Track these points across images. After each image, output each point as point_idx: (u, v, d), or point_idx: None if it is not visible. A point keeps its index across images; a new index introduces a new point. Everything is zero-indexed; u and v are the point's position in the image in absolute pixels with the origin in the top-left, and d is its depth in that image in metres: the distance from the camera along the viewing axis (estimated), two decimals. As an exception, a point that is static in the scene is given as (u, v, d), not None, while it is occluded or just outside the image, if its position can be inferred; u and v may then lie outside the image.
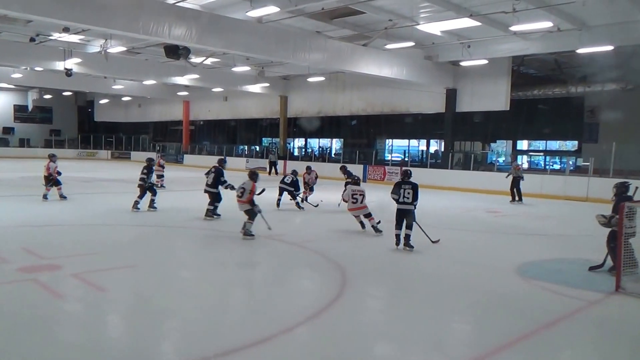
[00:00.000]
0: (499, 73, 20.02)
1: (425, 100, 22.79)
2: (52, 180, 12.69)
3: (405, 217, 7.81)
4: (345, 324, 4.69)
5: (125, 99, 38.99)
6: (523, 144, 28.11)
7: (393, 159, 25.66)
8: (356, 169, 23.54)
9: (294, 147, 32.31)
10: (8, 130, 40.28)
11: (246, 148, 34.21)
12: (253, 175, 8.58)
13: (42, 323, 4.51)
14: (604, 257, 6.65)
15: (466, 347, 4.42)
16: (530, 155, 28.03)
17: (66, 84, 28.65)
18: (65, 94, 39.87)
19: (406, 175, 8.00)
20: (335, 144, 31.03)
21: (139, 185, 11.36)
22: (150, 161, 11.72)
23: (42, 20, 14.27)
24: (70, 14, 12.11)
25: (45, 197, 12.57)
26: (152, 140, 40.11)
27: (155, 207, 11.41)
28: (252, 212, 8.53)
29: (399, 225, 7.89)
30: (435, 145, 27.16)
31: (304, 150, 31.81)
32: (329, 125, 29.11)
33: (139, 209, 11.20)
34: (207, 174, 10.89)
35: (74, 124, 44.30)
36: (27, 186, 16.30)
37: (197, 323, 4.61)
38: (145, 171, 11.41)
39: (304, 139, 32.18)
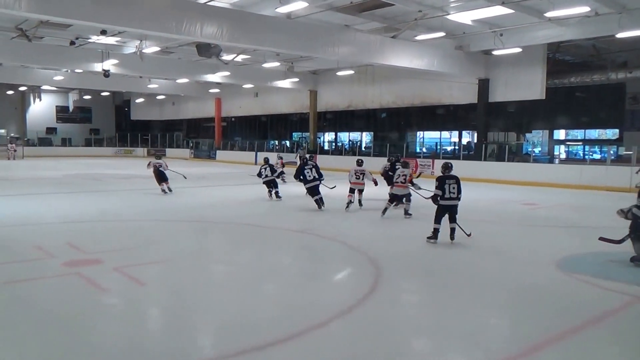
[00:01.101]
0: (533, 61, 19.41)
1: (456, 91, 22.36)
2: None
3: (449, 212, 7.67)
4: (380, 319, 4.63)
5: (159, 97, 39.74)
6: (560, 134, 27.20)
7: (424, 152, 25.34)
8: (383, 162, 23.39)
9: (324, 141, 32.27)
10: (51, 130, 41.68)
11: (277, 143, 34.37)
12: (407, 164, 10.15)
13: (86, 315, 4.62)
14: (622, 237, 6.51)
15: (506, 342, 4.27)
16: (569, 144, 27.12)
17: (104, 84, 29.40)
18: (103, 94, 40.99)
19: (447, 168, 7.83)
20: (365, 137, 30.80)
21: (266, 182, 13.13)
22: (267, 161, 13.55)
23: (81, 24, 14.64)
24: (107, 17, 12.40)
25: (165, 190, 13.82)
26: (186, 137, 40.79)
27: (280, 197, 12.84)
28: (409, 195, 10.07)
29: (438, 220, 7.69)
30: (467, 137, 26.62)
31: (333, 144, 31.70)
32: (358, 119, 28.92)
33: (280, 197, 12.80)
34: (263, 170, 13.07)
35: (112, 123, 45.47)
36: (70, 184, 16.82)
37: (232, 317, 4.63)
38: (266, 168, 13.22)
39: (334, 133, 32.06)
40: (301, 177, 11.30)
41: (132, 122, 43.75)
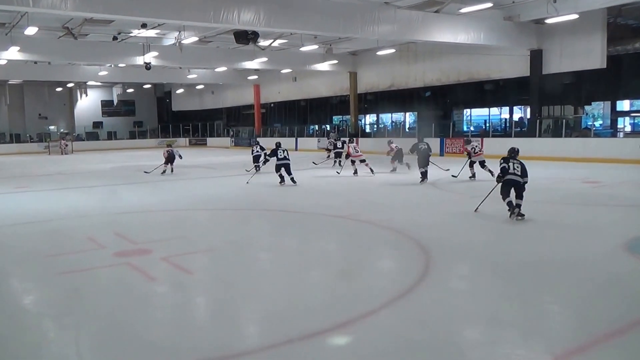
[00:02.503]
0: (591, 27, 18.33)
1: (506, 65, 21.59)
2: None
3: (514, 187, 7.88)
4: (431, 307, 4.52)
5: (199, 87, 40.41)
6: (624, 105, 25.62)
7: (472, 130, 24.69)
8: (433, 143, 22.93)
9: (365, 124, 32.02)
10: (97, 124, 43.29)
11: (317, 127, 34.35)
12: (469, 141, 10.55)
13: (138, 303, 4.78)
14: None
15: (570, 332, 4.01)
16: (634, 116, 25.58)
17: (146, 77, 30.25)
18: (145, 87, 42.24)
19: (513, 152, 8.17)
20: (409, 118, 30.30)
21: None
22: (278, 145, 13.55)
23: (122, 19, 15.08)
24: (147, 10, 12.71)
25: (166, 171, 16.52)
26: (226, 126, 41.37)
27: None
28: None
29: (507, 194, 7.93)
30: (519, 113, 25.69)
31: (375, 126, 31.39)
32: (401, 99, 28.47)
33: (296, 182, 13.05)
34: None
35: (154, 115, 46.70)
36: (117, 176, 17.42)
37: (278, 306, 4.65)
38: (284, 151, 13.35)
39: (375, 115, 31.72)
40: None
41: (174, 113, 44.83)
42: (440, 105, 27.45)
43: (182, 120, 43.02)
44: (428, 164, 12.83)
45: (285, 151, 13.20)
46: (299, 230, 8.07)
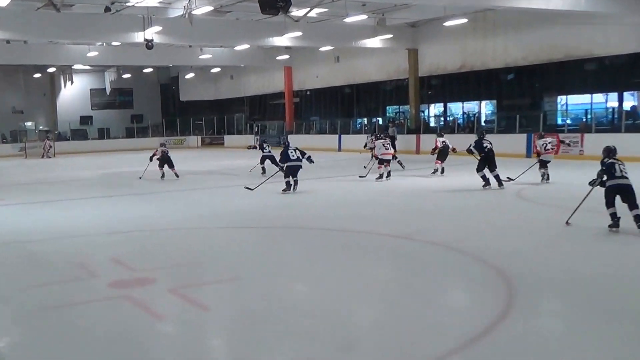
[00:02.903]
0: None
1: (614, 38, 21.10)
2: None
3: (622, 193, 8.22)
4: (515, 354, 4.52)
5: (214, 70, 41.17)
6: None
7: (569, 123, 24.20)
8: (516, 141, 22.60)
9: (428, 116, 31.81)
10: (86, 119, 44.32)
11: (365, 121, 34.34)
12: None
13: (138, 348, 4.91)
14: None
15: None
16: None
17: (147, 58, 30.94)
18: (145, 71, 43.04)
19: (611, 151, 8.57)
20: (485, 108, 29.93)
21: None
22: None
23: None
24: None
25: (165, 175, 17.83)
26: (249, 120, 41.82)
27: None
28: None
29: (611, 204, 8.27)
30: (631, 100, 25.02)
31: (442, 118, 31.16)
32: (475, 84, 28.18)
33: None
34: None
35: (157, 107, 47.69)
36: (111, 185, 17.95)
37: (319, 349, 4.71)
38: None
39: (442, 104, 31.49)
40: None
41: (182, 104, 45.60)
42: (526, 91, 26.98)
43: (193, 114, 43.77)
44: (496, 167, 13.48)
45: (297, 150, 14.16)
46: (343, 254, 8.11)
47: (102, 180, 19.50)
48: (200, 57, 33.17)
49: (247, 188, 14.29)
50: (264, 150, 18.66)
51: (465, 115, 30.27)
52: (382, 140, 16.56)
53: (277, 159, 14.93)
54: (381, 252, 8.15)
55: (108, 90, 44.91)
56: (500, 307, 5.53)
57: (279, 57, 34.60)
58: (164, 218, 11.33)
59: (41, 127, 42.64)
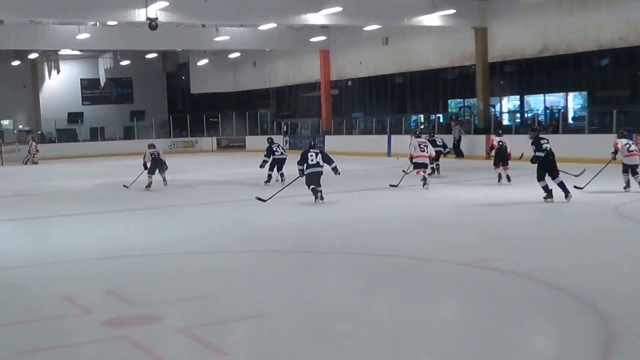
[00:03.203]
0: None
1: None
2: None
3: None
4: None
5: (232, 56, 41.48)
6: None
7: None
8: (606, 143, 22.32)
9: (500, 111, 31.50)
10: (76, 117, 44.96)
11: (422, 118, 34.13)
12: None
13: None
14: None
15: None
16: None
17: (150, 41, 31.33)
18: (148, 57, 43.48)
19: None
20: (573, 102, 29.55)
21: None
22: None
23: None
24: None
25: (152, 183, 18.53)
26: (276, 117, 42.03)
27: None
28: None
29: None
30: None
31: (519, 115, 30.82)
32: (561, 72, 27.85)
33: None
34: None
35: (163, 101, 48.37)
36: (106, 198, 18.11)
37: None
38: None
39: (518, 97, 31.19)
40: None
41: (193, 98, 46.16)
42: (625, 80, 26.57)
43: (207, 109, 43.98)
44: (558, 173, 13.69)
45: (319, 155, 15.00)
46: (397, 287, 8.01)
47: (94, 193, 19.73)
48: (216, 39, 33.42)
49: (259, 199, 14.73)
50: (275, 154, 19.18)
51: (548, 111, 29.91)
52: (419, 140, 17.41)
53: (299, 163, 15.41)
54: (447, 286, 8.03)
55: (102, 81, 45.36)
56: (598, 351, 5.45)
57: (313, 39, 34.73)
58: (170, 239, 11.36)
59: (21, 127, 43.33)
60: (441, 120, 32.23)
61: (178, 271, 9.20)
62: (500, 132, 18.79)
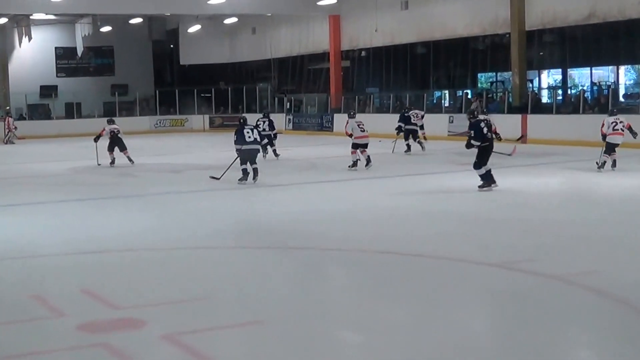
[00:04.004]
0: None
1: None
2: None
3: None
4: None
5: (228, 21, 41.43)
6: None
7: None
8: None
9: (539, 87, 31.36)
10: (49, 90, 44.73)
11: (447, 95, 34.01)
12: None
13: None
14: None
15: None
16: None
17: (134, 4, 31.31)
18: (132, 22, 43.30)
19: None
20: (626, 76, 29.40)
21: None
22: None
23: None
24: None
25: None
26: (278, 92, 42.00)
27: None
28: None
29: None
30: None
31: (562, 91, 30.67)
32: (610, 41, 27.70)
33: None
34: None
35: (148, 73, 48.41)
36: (82, 184, 18.17)
37: None
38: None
39: (559, 70, 31.05)
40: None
41: (183, 70, 46.17)
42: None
43: (199, 83, 44.10)
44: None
45: (254, 130, 16.78)
46: (416, 289, 8.02)
47: (69, 177, 19.77)
48: (210, 2, 33.44)
49: (213, 177, 16.25)
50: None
51: (595, 87, 29.76)
52: (357, 120, 19.45)
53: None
54: (467, 289, 8.02)
55: (80, 50, 45.29)
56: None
57: (321, 2, 34.68)
58: (154, 232, 11.38)
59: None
60: (469, 95, 32.09)
61: (164, 269, 9.18)
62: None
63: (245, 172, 15.96)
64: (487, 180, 14.23)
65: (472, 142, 14.24)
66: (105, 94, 45.05)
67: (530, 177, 16.56)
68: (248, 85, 42.68)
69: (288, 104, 39.04)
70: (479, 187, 14.29)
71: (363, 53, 37.38)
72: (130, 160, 20.56)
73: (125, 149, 20.69)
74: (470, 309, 7.40)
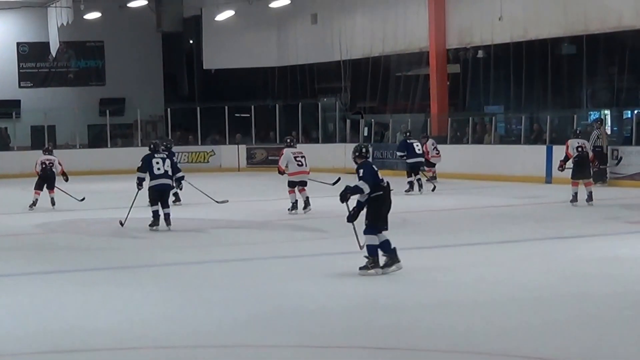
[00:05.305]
0: None
1: None
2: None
3: None
4: None
5: (276, 5, 41.46)
6: None
7: None
8: None
9: None
10: (8, 108, 45.26)
11: (608, 118, 33.91)
12: None
13: None
14: None
15: None
16: None
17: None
18: (132, 5, 43.94)
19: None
20: None
21: None
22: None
23: None
24: None
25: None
26: (350, 111, 42.34)
27: None
28: None
29: None
30: None
31: None
32: None
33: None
34: None
35: (156, 83, 49.04)
36: (52, 249, 18.51)
37: None
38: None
39: None
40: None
41: (207, 77, 46.72)
42: None
43: (231, 98, 44.58)
44: None
45: (166, 160, 18.35)
46: None
47: (38, 238, 20.18)
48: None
49: (120, 223, 18.17)
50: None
51: None
52: (293, 150, 21.90)
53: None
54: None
55: (54, 48, 45.80)
56: None
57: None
58: (165, 322, 11.44)
59: None
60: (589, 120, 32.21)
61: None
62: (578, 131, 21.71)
63: (156, 216, 17.30)
64: None
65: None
66: (92, 113, 45.73)
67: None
68: (306, 100, 42.94)
69: (366, 128, 39.12)
70: None
71: (480, 53, 37.50)
72: (52, 203, 22.64)
73: (53, 188, 22.67)
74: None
